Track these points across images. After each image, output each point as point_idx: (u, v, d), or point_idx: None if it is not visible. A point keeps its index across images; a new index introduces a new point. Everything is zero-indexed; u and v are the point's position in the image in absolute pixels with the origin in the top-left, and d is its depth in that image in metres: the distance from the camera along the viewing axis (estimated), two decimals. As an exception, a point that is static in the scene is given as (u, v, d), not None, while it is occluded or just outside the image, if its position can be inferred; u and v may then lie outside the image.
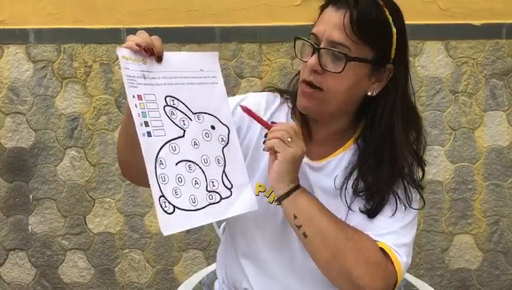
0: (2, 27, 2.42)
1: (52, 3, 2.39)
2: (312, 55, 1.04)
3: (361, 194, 1.08)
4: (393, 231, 1.06)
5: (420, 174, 1.14)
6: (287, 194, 1.03)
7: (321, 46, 1.03)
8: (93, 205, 2.50)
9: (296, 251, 1.13)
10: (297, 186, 1.04)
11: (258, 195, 1.14)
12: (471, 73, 2.37)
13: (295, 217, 1.03)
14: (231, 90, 2.39)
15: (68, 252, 2.53)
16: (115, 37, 2.36)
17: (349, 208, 1.09)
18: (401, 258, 1.04)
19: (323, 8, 1.07)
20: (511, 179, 2.42)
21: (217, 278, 1.32)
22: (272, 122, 1.08)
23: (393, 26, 1.03)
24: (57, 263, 2.54)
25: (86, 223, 2.51)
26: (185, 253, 2.50)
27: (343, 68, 1.01)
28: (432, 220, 2.44)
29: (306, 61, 1.05)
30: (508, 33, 2.34)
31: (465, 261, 2.48)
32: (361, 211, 1.08)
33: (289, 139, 1.02)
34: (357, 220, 1.08)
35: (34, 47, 2.42)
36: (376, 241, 1.05)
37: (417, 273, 2.42)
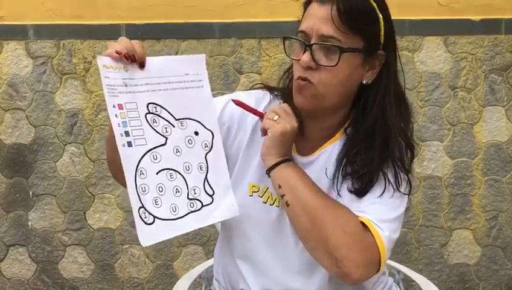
0: (1, 23, 2.41)
1: (52, -1, 2.40)
2: (304, 52, 1.03)
3: (349, 177, 1.08)
4: (378, 209, 1.04)
5: (409, 158, 1.12)
6: (275, 166, 1.06)
7: (312, 42, 1.03)
8: (93, 201, 2.50)
9: (292, 249, 1.13)
10: (286, 160, 1.07)
11: (251, 195, 1.14)
12: (470, 68, 2.37)
13: (280, 187, 1.05)
14: (230, 86, 2.39)
15: (68, 247, 2.54)
16: (114, 32, 2.36)
17: (338, 193, 1.08)
18: (383, 231, 1.01)
19: (306, 5, 1.08)
20: (509, 175, 2.43)
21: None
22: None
23: (379, 13, 1.04)
24: (57, 258, 2.55)
25: (86, 219, 2.52)
26: (184, 248, 2.51)
27: (338, 61, 1.01)
28: (430, 215, 2.45)
29: (298, 60, 1.05)
30: (507, 28, 2.34)
31: (463, 256, 2.49)
32: (350, 191, 1.07)
33: (276, 117, 1.06)
34: (345, 200, 1.07)
35: (33, 43, 2.42)
36: (358, 216, 1.03)
37: (416, 268, 2.42)
